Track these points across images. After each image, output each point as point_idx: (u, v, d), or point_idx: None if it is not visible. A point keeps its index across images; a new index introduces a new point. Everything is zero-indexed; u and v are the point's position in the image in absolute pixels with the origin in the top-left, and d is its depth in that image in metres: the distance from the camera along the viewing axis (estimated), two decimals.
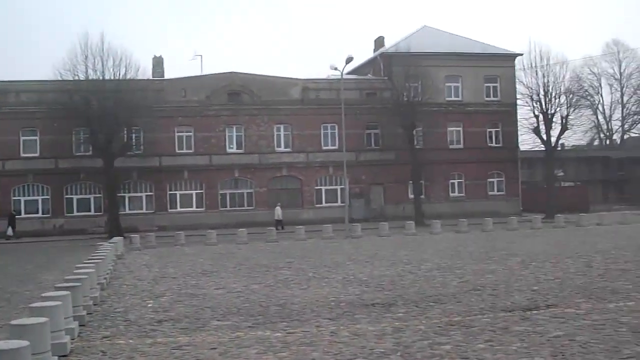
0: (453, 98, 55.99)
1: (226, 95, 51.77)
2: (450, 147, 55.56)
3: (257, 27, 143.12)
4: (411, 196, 51.22)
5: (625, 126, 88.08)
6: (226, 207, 51.32)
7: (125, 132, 45.43)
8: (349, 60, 44.08)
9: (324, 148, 52.82)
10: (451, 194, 55.37)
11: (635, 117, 77.73)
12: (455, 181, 55.73)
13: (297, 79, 53.52)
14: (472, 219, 43.88)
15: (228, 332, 10.43)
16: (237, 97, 52.06)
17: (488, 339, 8.88)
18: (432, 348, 8.66)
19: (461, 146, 55.84)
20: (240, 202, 51.87)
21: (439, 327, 9.93)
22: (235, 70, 52.66)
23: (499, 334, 9.16)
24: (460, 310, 11.30)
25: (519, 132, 57.83)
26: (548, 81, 52.79)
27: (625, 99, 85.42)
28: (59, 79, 43.68)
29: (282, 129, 52.66)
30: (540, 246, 25.09)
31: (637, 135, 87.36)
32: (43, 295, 10.50)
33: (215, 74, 51.94)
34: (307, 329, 10.29)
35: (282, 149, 52.64)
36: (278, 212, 46.46)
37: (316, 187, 53.08)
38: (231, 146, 52.07)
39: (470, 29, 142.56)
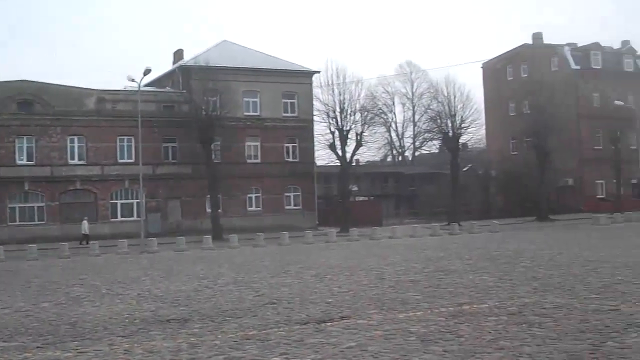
0: (251, 113, 56.55)
1: (16, 104, 49.23)
2: (248, 161, 56.03)
3: (52, 35, 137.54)
4: (209, 210, 50.99)
5: (417, 143, 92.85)
6: (15, 221, 48.74)
7: None
8: (147, 72, 43.39)
9: (120, 161, 51.59)
10: (249, 208, 55.78)
11: (426, 135, 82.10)
12: (253, 195, 56.21)
13: (92, 89, 51.93)
14: (269, 233, 44.40)
15: (15, 353, 9.82)
16: (28, 107, 49.67)
17: (283, 352, 8.93)
18: None
19: (259, 161, 56.47)
20: (31, 217, 49.44)
21: (235, 341, 9.87)
22: (26, 79, 50.23)
23: (294, 347, 9.24)
24: (256, 324, 11.31)
25: (316, 148, 59.30)
26: (344, 99, 54.52)
27: (416, 117, 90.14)
28: None
29: (75, 141, 50.88)
30: (335, 259, 25.72)
31: (427, 152, 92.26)
32: None
33: (4, 81, 49.28)
34: (99, 348, 9.89)
35: (75, 161, 50.79)
36: (85, 226, 44.70)
37: (111, 201, 51.72)
38: (21, 158, 49.58)
39: (269, 46, 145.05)
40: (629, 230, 40.38)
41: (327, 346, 9.20)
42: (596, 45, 76.12)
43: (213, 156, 50.73)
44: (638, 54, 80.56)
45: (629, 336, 8.98)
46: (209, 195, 50.72)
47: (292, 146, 57.90)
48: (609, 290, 13.53)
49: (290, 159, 57.76)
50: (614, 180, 67.24)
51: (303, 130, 57.57)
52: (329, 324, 11.02)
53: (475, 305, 12.32)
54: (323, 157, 63.86)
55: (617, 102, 63.14)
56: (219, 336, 10.35)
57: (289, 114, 57.88)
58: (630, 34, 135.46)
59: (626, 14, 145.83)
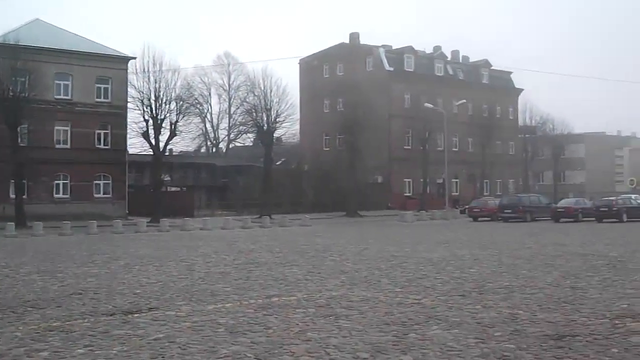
0: (62, 96, 54.35)
1: None
2: (57, 146, 53.85)
3: None
4: (12, 196, 48.38)
5: (231, 135, 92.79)
6: None
7: None
8: None
9: None
10: (56, 195, 53.64)
11: (241, 127, 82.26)
12: (61, 182, 54.13)
13: None
14: (77, 221, 42.89)
15: None
16: None
17: (88, 344, 8.65)
18: (29, 355, 8.21)
19: (68, 146, 54.42)
20: None
21: (37, 333, 9.46)
22: None
23: (100, 339, 8.98)
24: (60, 315, 10.89)
25: (129, 136, 57.92)
26: (159, 87, 53.53)
27: (232, 109, 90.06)
28: None
29: None
30: (145, 250, 25.26)
31: (241, 145, 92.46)
32: None
33: None
34: None
35: None
36: None
37: None
38: None
39: (85, 28, 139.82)
40: (431, 227, 42.42)
41: (133, 338, 9.02)
42: (410, 49, 79.39)
43: (19, 140, 48.20)
44: (448, 59, 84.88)
45: (430, 328, 9.42)
46: (12, 180, 48.21)
47: (104, 133, 56.23)
48: (412, 285, 14.14)
49: (102, 146, 56.09)
50: (421, 179, 70.46)
51: (116, 116, 56.05)
52: (137, 315, 10.81)
53: (284, 298, 12.50)
54: (136, 145, 62.63)
55: (427, 105, 66.15)
56: (20, 327, 9.89)
57: (102, 100, 56.15)
58: (442, 40, 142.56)
59: (437, 21, 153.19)
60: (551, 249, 22.64)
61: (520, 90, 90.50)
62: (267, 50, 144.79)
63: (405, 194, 74.09)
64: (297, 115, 72.81)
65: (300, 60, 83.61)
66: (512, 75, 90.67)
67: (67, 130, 54.47)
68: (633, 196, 59.17)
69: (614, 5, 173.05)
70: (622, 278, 14.69)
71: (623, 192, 71.70)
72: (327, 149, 76.53)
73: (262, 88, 60.35)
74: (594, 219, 46.37)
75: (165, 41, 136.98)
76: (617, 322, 9.71)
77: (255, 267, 18.05)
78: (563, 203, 50.97)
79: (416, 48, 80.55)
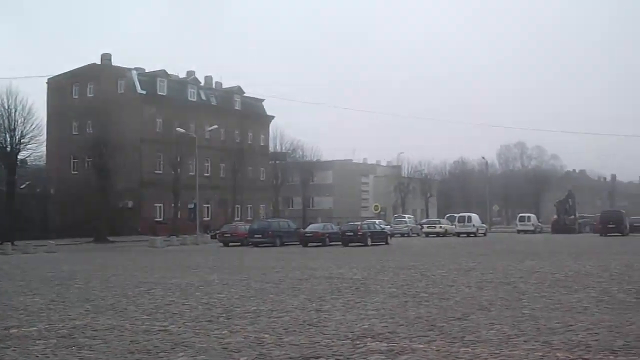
0: None
1: None
2: None
3: None
4: None
5: None
6: None
7: None
8: None
9: None
10: None
11: None
12: None
13: None
14: None
15: None
16: None
17: None
18: None
19: None
20: None
21: None
22: None
23: None
24: None
25: None
26: None
27: None
28: None
29: None
30: None
31: None
32: None
33: None
34: None
35: None
36: None
37: None
38: None
39: None
40: (182, 253, 42.24)
41: None
42: (163, 73, 78.86)
43: None
44: (202, 84, 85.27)
45: (177, 355, 9.38)
46: None
47: None
48: (160, 311, 14.00)
49: None
50: (172, 204, 69.91)
51: None
52: None
53: (24, 329, 11.89)
54: None
55: (179, 129, 65.88)
56: None
57: None
58: (196, 65, 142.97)
59: (191, 45, 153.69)
60: (299, 273, 23.35)
61: (272, 117, 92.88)
62: (13, 68, 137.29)
63: (156, 219, 73.12)
64: (44, 137, 69.69)
65: (49, 79, 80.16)
66: (264, 103, 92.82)
67: None
68: (377, 221, 62.70)
69: (343, 38, 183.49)
70: (364, 300, 15.48)
71: (368, 217, 75.73)
72: (76, 172, 73.83)
73: (6, 107, 57.04)
74: (340, 243, 48.35)
75: None
76: (358, 342, 10.23)
77: None
78: (311, 228, 52.71)
79: (170, 72, 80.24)
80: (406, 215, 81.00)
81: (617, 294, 15.92)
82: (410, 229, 71.22)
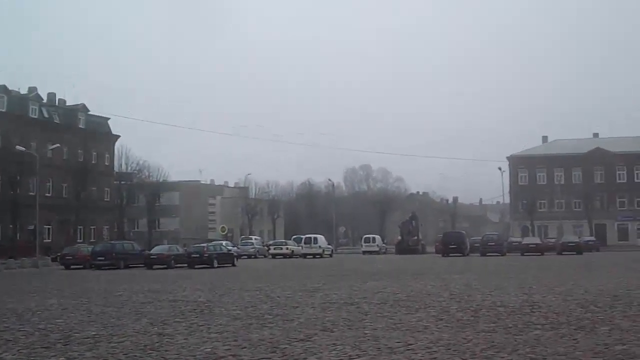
0: None
1: None
2: None
3: None
4: None
5: None
6: None
7: None
8: None
9: None
10: None
11: None
12: None
13: None
14: None
15: None
16: None
17: None
18: None
19: None
20: None
21: None
22: None
23: None
24: None
25: None
26: None
27: None
28: None
29: None
30: None
31: None
32: None
33: None
34: None
35: None
36: None
37: None
38: None
39: None
40: (19, 277, 40.61)
41: None
42: (3, 88, 75.70)
43: None
44: (44, 101, 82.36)
45: None
46: None
47: None
48: None
49: None
50: (10, 226, 66.97)
51: None
52: None
53: None
54: None
55: (18, 147, 63.36)
56: None
57: None
58: (38, 81, 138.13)
59: (33, 61, 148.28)
60: (142, 296, 22.94)
61: (117, 136, 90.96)
62: None
63: None
64: None
65: None
66: (109, 121, 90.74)
67: None
68: (224, 242, 62.56)
69: (190, 55, 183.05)
70: (207, 322, 15.40)
71: (215, 239, 75.36)
72: None
73: None
74: (186, 265, 47.90)
75: None
76: None
77: None
78: (156, 250, 51.96)
79: (10, 87, 77.11)
80: (253, 237, 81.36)
81: (455, 312, 16.57)
82: (257, 251, 71.56)
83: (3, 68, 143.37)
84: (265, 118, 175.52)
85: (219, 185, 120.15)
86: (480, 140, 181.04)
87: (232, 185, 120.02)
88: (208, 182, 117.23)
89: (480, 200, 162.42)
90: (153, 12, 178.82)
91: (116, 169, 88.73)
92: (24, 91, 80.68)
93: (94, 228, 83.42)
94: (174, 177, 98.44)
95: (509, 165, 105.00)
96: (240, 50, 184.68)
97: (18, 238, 67.53)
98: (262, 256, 70.49)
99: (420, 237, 77.84)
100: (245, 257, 66.09)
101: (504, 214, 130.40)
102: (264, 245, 76.10)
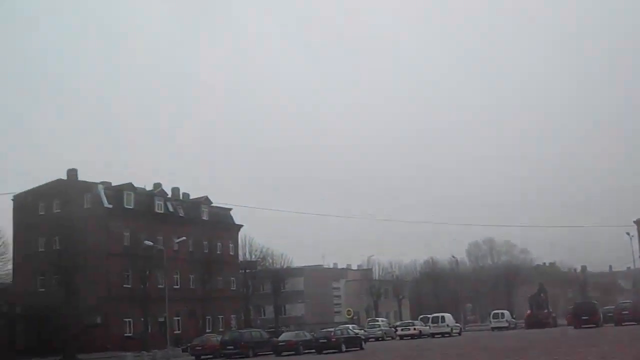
0: None
1: None
2: None
3: None
4: None
5: None
6: None
7: None
8: None
9: None
10: None
11: None
12: None
13: None
14: None
15: None
16: None
17: None
18: None
19: None
20: None
21: None
22: None
23: None
24: None
25: None
26: None
27: None
28: None
29: None
30: None
31: None
32: None
33: None
34: None
35: None
36: None
37: None
38: None
39: None
40: None
41: None
42: (129, 186, 78.78)
43: None
44: (169, 196, 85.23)
45: None
46: None
47: None
48: None
49: None
50: (142, 319, 68.77)
51: None
52: None
53: None
54: None
55: (147, 242, 65.53)
56: None
57: None
58: (161, 177, 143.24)
59: (156, 158, 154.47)
60: None
61: (240, 226, 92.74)
62: None
63: (126, 334, 71.68)
64: (10, 255, 68.89)
65: (14, 196, 79.68)
66: (231, 212, 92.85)
67: None
68: (350, 326, 62.24)
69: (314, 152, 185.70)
70: None
71: (341, 323, 75.12)
72: (43, 289, 72.58)
73: None
74: (314, 350, 47.78)
75: None
76: None
77: None
78: (284, 337, 52.13)
79: (136, 185, 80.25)
80: (379, 319, 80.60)
81: None
82: (384, 332, 70.82)
83: (129, 168, 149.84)
84: (381, 200, 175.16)
85: (342, 268, 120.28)
86: (604, 204, 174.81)
87: (355, 268, 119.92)
88: (331, 266, 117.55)
89: (610, 267, 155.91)
90: (271, 109, 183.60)
91: (240, 257, 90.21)
92: (149, 188, 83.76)
93: (221, 317, 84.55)
94: (297, 262, 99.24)
95: (638, 229, 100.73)
96: (353, 146, 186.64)
97: (149, 330, 69.17)
98: (390, 338, 69.71)
99: (551, 309, 75.19)
100: (373, 339, 65.50)
101: (636, 280, 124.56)
102: (390, 327, 75.25)
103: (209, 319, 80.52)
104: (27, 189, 79.56)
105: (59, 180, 78.04)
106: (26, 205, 78.11)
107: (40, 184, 78.97)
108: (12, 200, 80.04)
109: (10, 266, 72.62)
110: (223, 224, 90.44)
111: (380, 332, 70.64)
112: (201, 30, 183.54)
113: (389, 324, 79.94)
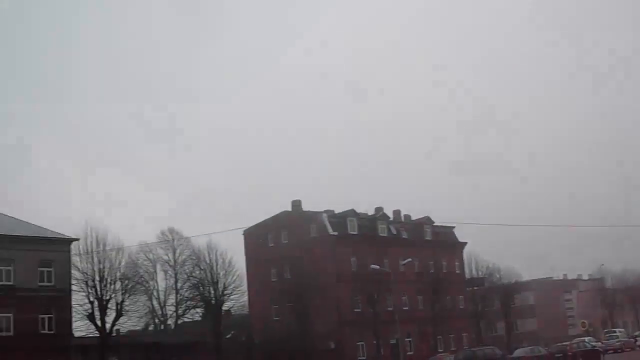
0: (4, 282, 53.06)
1: None
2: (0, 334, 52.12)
3: None
4: None
5: (179, 311, 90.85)
6: None
7: None
8: None
9: None
10: None
11: (189, 302, 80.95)
12: None
13: None
14: None
15: None
16: None
17: None
18: None
19: (11, 334, 52.59)
20: None
21: None
22: None
23: None
24: None
25: (74, 318, 56.40)
26: (104, 267, 53.08)
27: (179, 284, 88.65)
28: None
29: None
30: None
31: (190, 320, 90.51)
32: None
33: None
34: None
35: None
36: None
37: None
38: None
39: (25, 211, 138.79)
40: None
41: None
42: (352, 212, 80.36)
43: None
44: (391, 219, 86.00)
45: None
46: None
47: (48, 317, 54.50)
48: None
49: (46, 331, 54.20)
50: (374, 342, 69.57)
51: (60, 300, 54.63)
52: None
53: None
54: (82, 327, 60.74)
55: (373, 266, 66.40)
56: None
57: (45, 283, 54.85)
58: (382, 202, 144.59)
59: (377, 182, 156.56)
60: None
61: (464, 243, 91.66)
62: (210, 223, 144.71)
63: (359, 358, 72.79)
64: (245, 287, 72.39)
65: (245, 231, 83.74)
66: (454, 230, 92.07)
67: (9, 317, 52.74)
68: (587, 339, 59.49)
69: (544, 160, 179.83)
70: None
71: (576, 336, 71.99)
72: (277, 318, 75.46)
73: (208, 261, 60.26)
74: None
75: (108, 219, 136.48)
76: None
77: None
78: (518, 353, 50.83)
79: (358, 211, 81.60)
80: (617, 329, 76.64)
81: None
82: (623, 344, 67.19)
83: (350, 194, 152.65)
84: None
85: (572, 279, 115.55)
86: None
87: (586, 278, 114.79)
88: (561, 278, 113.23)
89: None
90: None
91: (467, 275, 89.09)
92: (371, 212, 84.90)
93: (452, 336, 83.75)
94: (525, 276, 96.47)
95: None
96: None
97: (382, 352, 69.77)
98: (629, 349, 66.00)
99: None
100: (611, 351, 62.28)
101: None
102: (629, 337, 71.23)
103: (439, 338, 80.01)
104: (255, 223, 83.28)
105: (285, 212, 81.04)
106: (256, 238, 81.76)
107: (268, 217, 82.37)
108: (243, 234, 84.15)
109: (245, 297, 76.31)
110: (447, 243, 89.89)
111: (619, 343, 67.13)
112: None
113: (628, 334, 75.78)
